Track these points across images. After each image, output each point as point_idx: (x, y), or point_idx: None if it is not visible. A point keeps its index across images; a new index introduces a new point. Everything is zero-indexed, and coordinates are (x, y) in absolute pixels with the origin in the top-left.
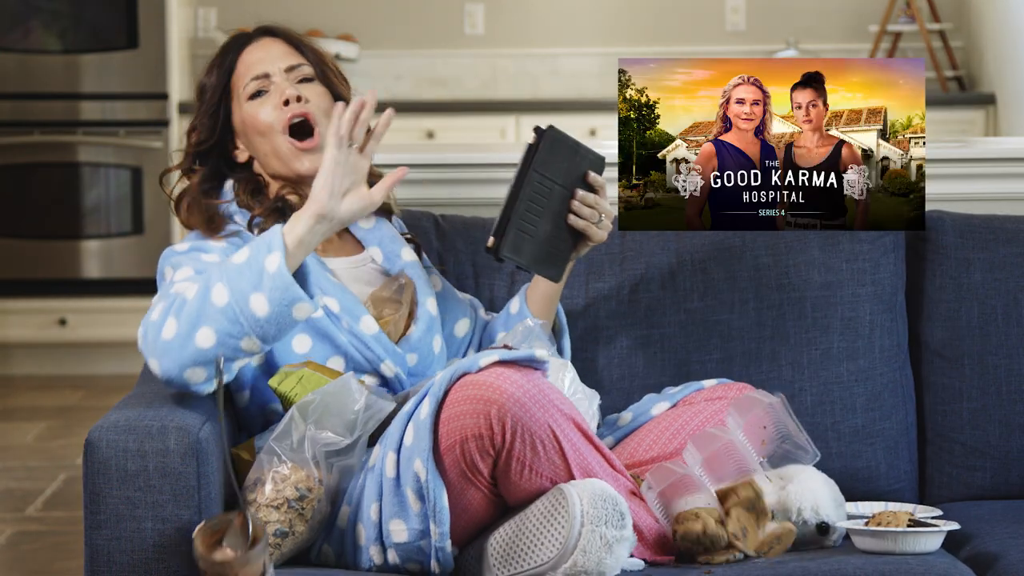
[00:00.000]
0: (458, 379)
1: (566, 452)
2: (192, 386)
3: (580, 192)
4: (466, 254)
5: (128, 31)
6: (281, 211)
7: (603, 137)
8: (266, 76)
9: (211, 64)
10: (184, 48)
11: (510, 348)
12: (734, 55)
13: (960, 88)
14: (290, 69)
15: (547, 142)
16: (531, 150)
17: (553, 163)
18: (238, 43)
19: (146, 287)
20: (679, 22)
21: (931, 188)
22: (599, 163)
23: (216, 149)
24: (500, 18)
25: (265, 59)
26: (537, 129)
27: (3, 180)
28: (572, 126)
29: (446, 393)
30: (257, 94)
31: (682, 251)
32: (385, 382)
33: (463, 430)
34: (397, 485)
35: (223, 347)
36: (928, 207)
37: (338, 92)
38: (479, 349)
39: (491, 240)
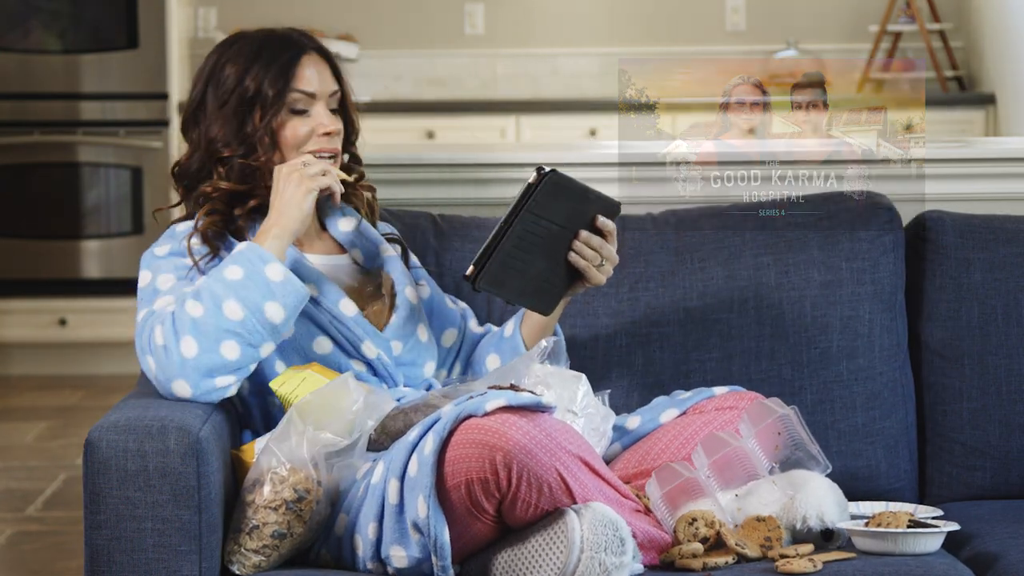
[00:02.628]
0: (463, 419)
1: (573, 492)
2: (219, 391)
3: (584, 233)
4: (464, 253)
5: (128, 31)
6: (259, 209)
7: (603, 137)
8: (313, 96)
9: (254, 64)
10: (184, 48)
11: (517, 388)
12: (734, 55)
13: (960, 88)
14: (332, 95)
15: (547, 185)
16: (529, 190)
17: (552, 206)
18: (291, 50)
19: None
20: (679, 22)
21: (931, 188)
22: (612, 208)
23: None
24: (500, 18)
25: (316, 79)
26: (539, 169)
27: (3, 180)
28: (572, 126)
29: (451, 432)
30: (301, 111)
31: (681, 250)
32: (372, 369)
33: (468, 472)
34: (399, 513)
35: (246, 357)
36: (928, 207)
37: (353, 122)
38: (465, 363)
39: (471, 269)
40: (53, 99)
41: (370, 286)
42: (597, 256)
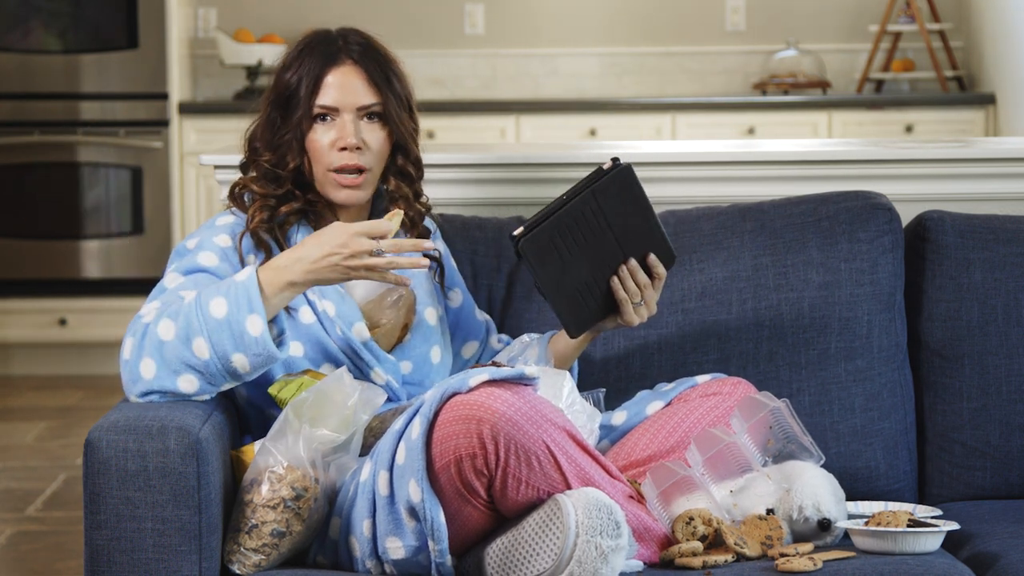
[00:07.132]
0: (448, 398)
1: (562, 465)
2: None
3: (633, 263)
4: (465, 254)
5: (128, 31)
6: (305, 213)
7: (603, 137)
8: (336, 110)
9: (291, 66)
10: (184, 48)
11: (499, 365)
12: (734, 55)
13: (960, 88)
14: (361, 109)
15: (617, 175)
16: (598, 174)
17: (615, 203)
18: (325, 58)
19: (146, 287)
20: (679, 22)
21: (931, 188)
22: (667, 254)
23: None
24: (500, 18)
25: (341, 91)
26: (615, 160)
27: (3, 180)
28: (572, 126)
29: (437, 413)
30: (323, 117)
31: (680, 251)
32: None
33: (456, 450)
34: (391, 503)
35: (204, 391)
36: (928, 207)
37: (400, 134)
38: None
39: (519, 229)
40: (53, 99)
41: (386, 299)
42: (638, 293)
